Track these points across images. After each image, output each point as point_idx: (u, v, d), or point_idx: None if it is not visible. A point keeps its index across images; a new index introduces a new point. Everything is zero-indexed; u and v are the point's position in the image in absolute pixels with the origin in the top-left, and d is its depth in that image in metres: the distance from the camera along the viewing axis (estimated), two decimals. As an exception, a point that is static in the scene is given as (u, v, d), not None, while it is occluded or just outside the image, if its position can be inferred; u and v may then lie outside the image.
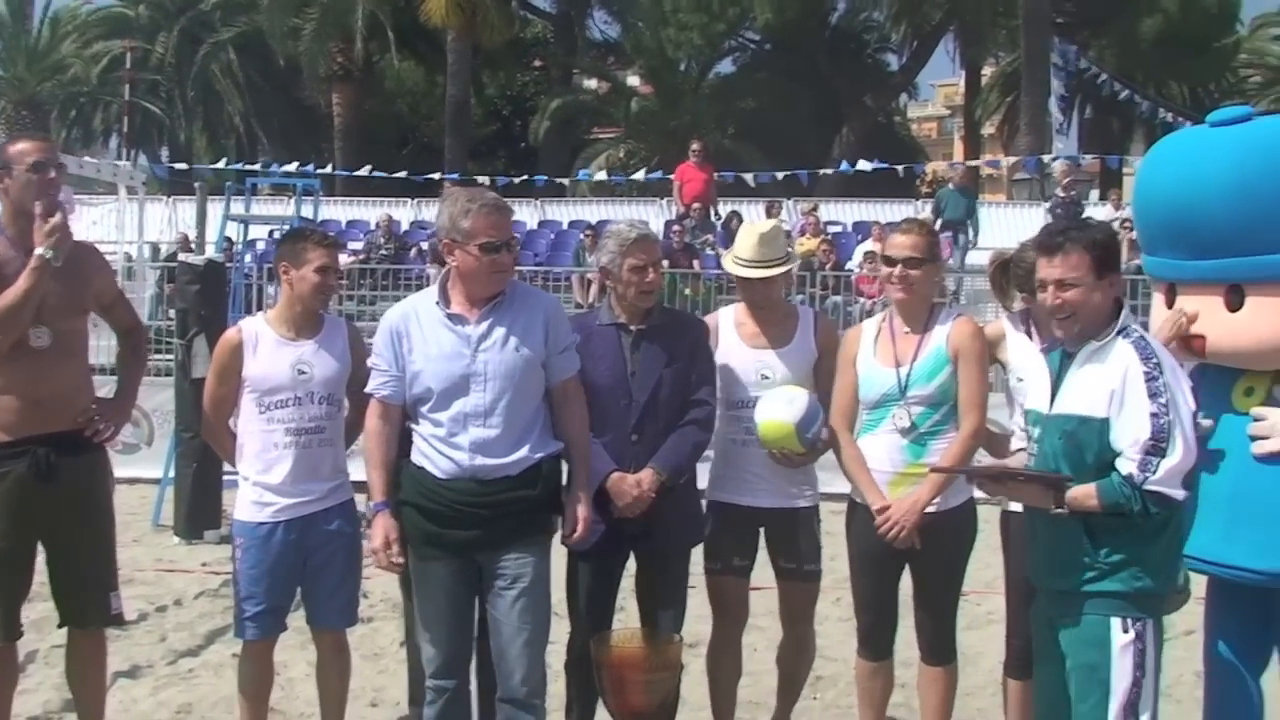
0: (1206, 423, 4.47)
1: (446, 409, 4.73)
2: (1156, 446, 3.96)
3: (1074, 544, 4.15)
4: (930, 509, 4.95)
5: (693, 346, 5.23)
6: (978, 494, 5.00)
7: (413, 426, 4.84)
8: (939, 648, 5.23)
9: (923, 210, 23.60)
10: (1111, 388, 4.06)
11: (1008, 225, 21.71)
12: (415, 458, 4.82)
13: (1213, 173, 4.36)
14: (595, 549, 4.98)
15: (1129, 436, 4.01)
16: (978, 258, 18.98)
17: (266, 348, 5.20)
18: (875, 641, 5.29)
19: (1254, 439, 4.39)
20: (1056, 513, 4.13)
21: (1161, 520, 4.07)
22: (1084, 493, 4.08)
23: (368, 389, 4.92)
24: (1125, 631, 4.09)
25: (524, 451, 4.74)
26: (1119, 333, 4.13)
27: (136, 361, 5.46)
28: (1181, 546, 4.30)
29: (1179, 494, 3.99)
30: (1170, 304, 4.64)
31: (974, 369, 5.05)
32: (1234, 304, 4.40)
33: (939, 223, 19.39)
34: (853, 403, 5.22)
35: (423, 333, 4.78)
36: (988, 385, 5.11)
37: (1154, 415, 3.97)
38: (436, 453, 4.75)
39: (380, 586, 8.60)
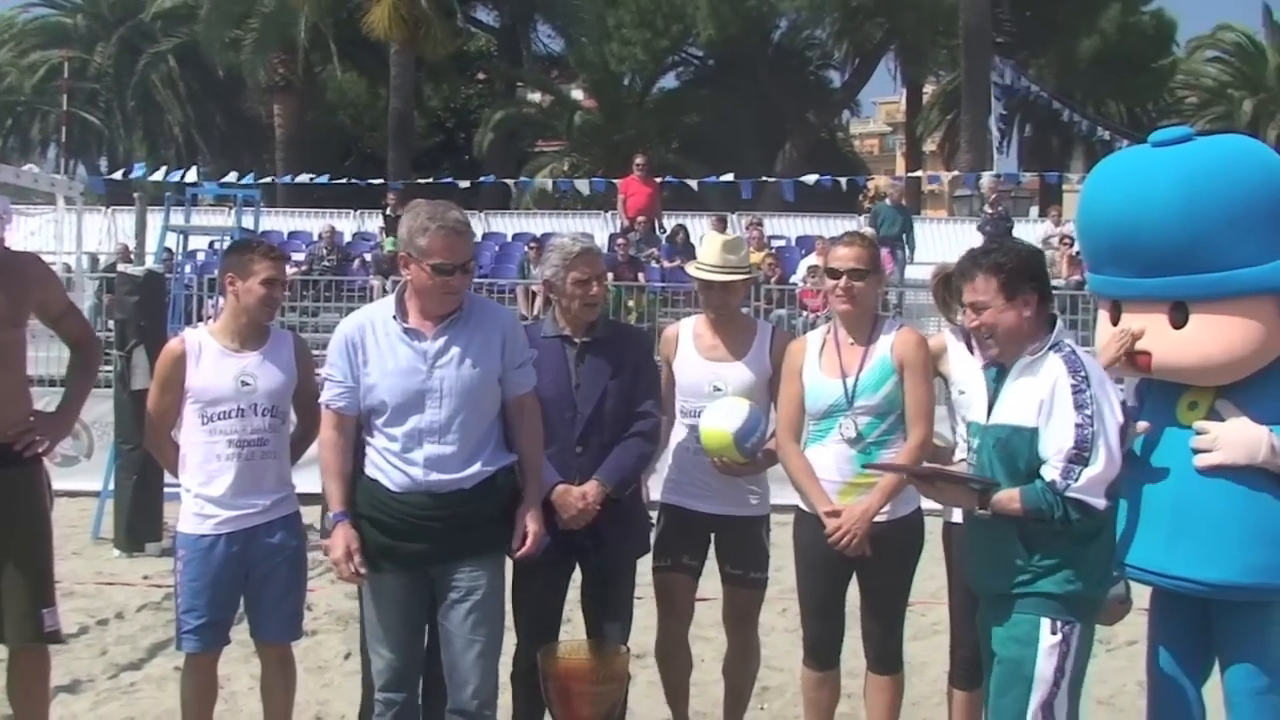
0: (1143, 425, 4.56)
1: (401, 424, 4.71)
2: (1079, 455, 4.07)
3: (1009, 549, 4.24)
4: (879, 518, 4.98)
5: (637, 359, 5.24)
6: (925, 504, 5.05)
7: (367, 439, 4.81)
8: (886, 657, 5.25)
9: (864, 225, 23.79)
10: (1041, 398, 4.18)
11: (945, 241, 22.00)
12: (369, 470, 4.79)
13: (1158, 192, 4.42)
14: (542, 560, 4.96)
15: (1054, 445, 4.11)
16: (916, 272, 19.20)
17: (210, 358, 5.16)
18: (822, 651, 5.31)
19: (1196, 452, 4.45)
20: (980, 514, 4.29)
21: (1094, 527, 4.16)
22: (1007, 496, 4.21)
23: (321, 400, 4.88)
24: (1054, 633, 4.18)
25: (478, 466, 4.73)
26: (1051, 347, 4.23)
27: (84, 376, 5.36)
28: (1113, 554, 4.37)
29: (1099, 502, 4.08)
30: (1115, 321, 4.70)
31: (919, 379, 5.10)
32: (1178, 321, 4.47)
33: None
34: (799, 414, 5.25)
35: (379, 346, 4.75)
36: (934, 395, 5.15)
37: (1078, 426, 4.08)
38: (390, 466, 4.73)
39: (325, 599, 8.55)
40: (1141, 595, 4.75)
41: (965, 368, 5.11)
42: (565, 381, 5.11)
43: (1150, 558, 4.53)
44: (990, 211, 21.68)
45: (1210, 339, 4.40)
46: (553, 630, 5.21)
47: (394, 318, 4.75)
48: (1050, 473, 4.11)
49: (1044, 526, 4.13)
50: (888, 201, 21.72)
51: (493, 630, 4.75)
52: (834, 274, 5.16)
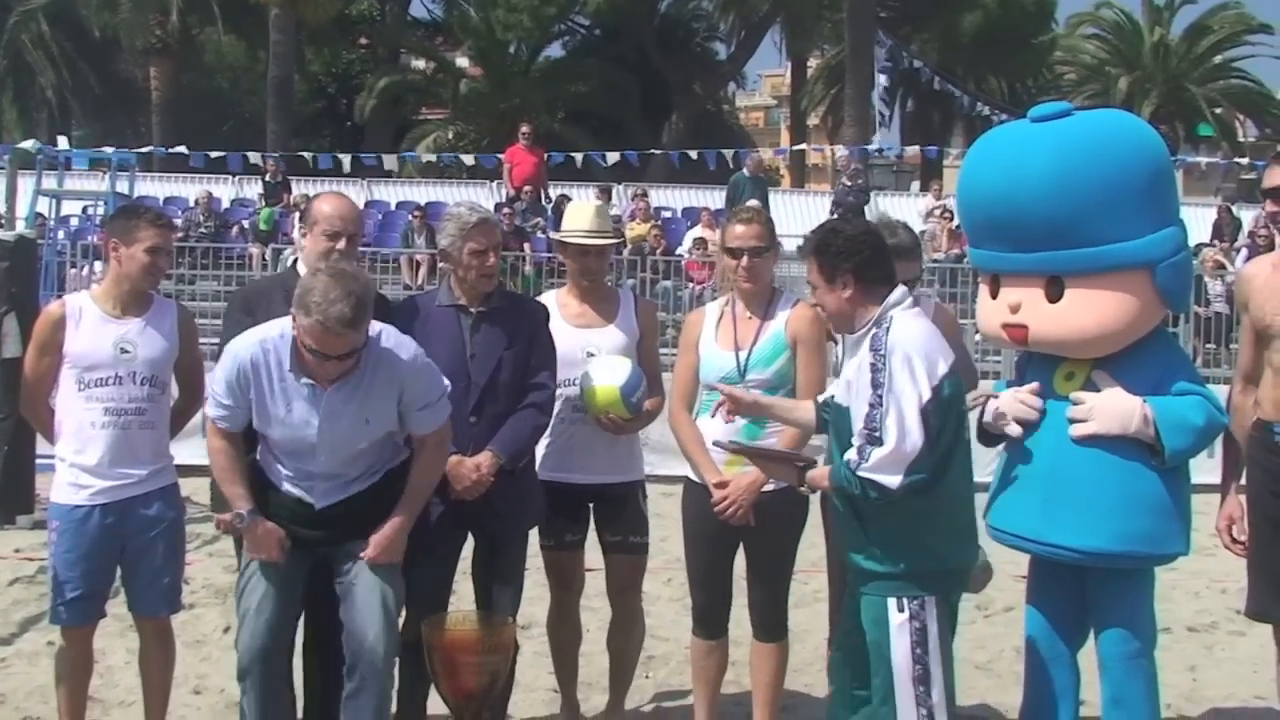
0: (1033, 385, 4.64)
1: (290, 457, 4.69)
2: (871, 436, 4.05)
3: (852, 525, 4.27)
4: (766, 489, 5.03)
5: (533, 329, 5.23)
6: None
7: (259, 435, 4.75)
8: (771, 625, 5.31)
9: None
10: (849, 378, 4.24)
11: (800, 212, 22.24)
12: (260, 455, 4.75)
13: (1033, 168, 4.49)
14: (432, 532, 4.95)
15: (857, 424, 4.12)
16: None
17: (89, 324, 5.04)
18: (710, 620, 5.35)
19: (1072, 422, 4.55)
20: (801, 490, 4.47)
21: (925, 503, 4.09)
22: (820, 474, 4.32)
23: (208, 413, 4.73)
24: (900, 611, 4.16)
25: (372, 479, 4.74)
26: (875, 323, 4.19)
27: None
28: (967, 523, 4.31)
29: (891, 481, 4.00)
30: (994, 294, 4.78)
31: (812, 355, 5.14)
32: (1054, 295, 4.55)
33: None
34: (692, 384, 5.29)
35: (271, 390, 4.58)
36: (825, 371, 5.21)
37: (871, 406, 4.06)
38: (281, 473, 4.72)
39: (202, 573, 8.43)
40: (1020, 562, 4.86)
41: None
42: (460, 351, 5.08)
43: (1025, 524, 4.64)
44: (848, 184, 21.96)
45: (1085, 313, 4.49)
46: (440, 602, 5.18)
47: (290, 371, 4.57)
48: (850, 452, 4.11)
49: (867, 504, 4.11)
50: (746, 173, 21.86)
51: (393, 582, 4.72)
52: (734, 254, 5.18)
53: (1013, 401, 4.72)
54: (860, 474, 4.04)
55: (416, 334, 4.94)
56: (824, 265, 4.25)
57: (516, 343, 5.14)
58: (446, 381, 4.76)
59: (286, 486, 4.71)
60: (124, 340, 5.03)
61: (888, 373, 4.04)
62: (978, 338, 5.33)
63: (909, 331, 4.11)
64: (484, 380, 5.06)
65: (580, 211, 5.58)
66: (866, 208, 21.63)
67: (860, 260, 4.21)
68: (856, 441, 4.10)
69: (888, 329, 4.12)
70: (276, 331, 4.59)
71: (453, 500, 4.99)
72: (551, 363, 5.25)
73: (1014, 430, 4.70)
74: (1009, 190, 4.56)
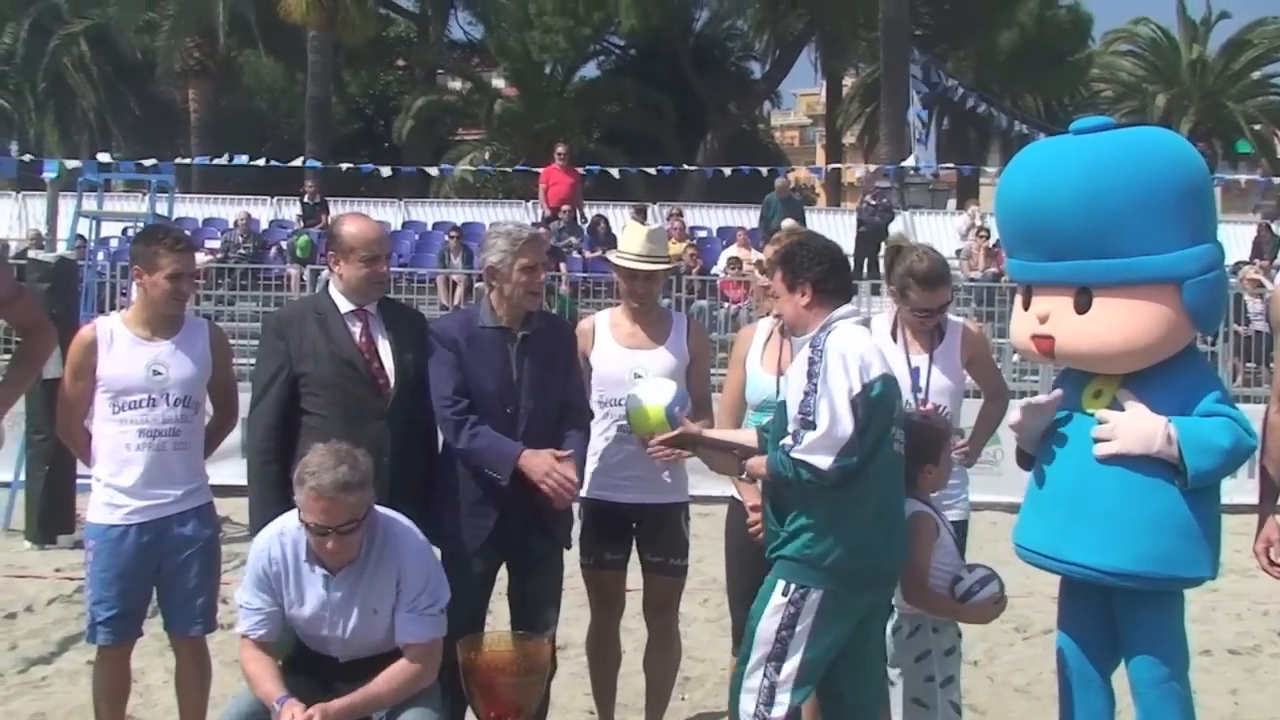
0: (1057, 393, 4.66)
1: (310, 641, 4.69)
2: (805, 420, 4.27)
3: (771, 514, 4.50)
4: None
5: (569, 351, 5.25)
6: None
7: None
8: None
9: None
10: (789, 375, 4.51)
11: (833, 232, 22.14)
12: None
13: (1063, 177, 4.48)
14: (471, 552, 4.97)
15: (792, 411, 4.36)
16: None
17: (121, 347, 5.07)
18: None
19: (1096, 441, 4.51)
20: (741, 479, 4.72)
21: (839, 494, 4.27)
22: (757, 462, 4.54)
23: (238, 630, 4.62)
24: (783, 595, 4.37)
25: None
26: (821, 329, 4.43)
27: (27, 365, 5.11)
28: (887, 528, 4.42)
29: (822, 462, 4.21)
30: (1027, 305, 4.75)
31: None
32: (1082, 306, 4.51)
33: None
34: (739, 401, 5.30)
35: (288, 579, 4.57)
36: None
37: (806, 393, 4.31)
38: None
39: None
40: (1057, 584, 4.81)
41: (886, 353, 5.20)
42: (507, 375, 5.06)
43: (1048, 542, 4.60)
44: (872, 202, 21.94)
45: (1112, 325, 4.45)
46: (477, 622, 5.17)
47: (305, 560, 4.55)
48: (785, 438, 4.34)
49: (791, 491, 4.35)
50: (776, 194, 21.89)
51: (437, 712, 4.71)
52: (761, 270, 5.20)
53: (1026, 406, 4.73)
54: (794, 455, 4.26)
55: (463, 355, 4.96)
56: (786, 274, 4.56)
57: (557, 365, 5.14)
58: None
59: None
60: (156, 362, 5.05)
61: (823, 365, 4.30)
62: (1016, 358, 5.29)
63: (848, 336, 4.39)
64: (532, 405, 5.04)
65: (634, 234, 5.58)
66: (892, 225, 21.59)
67: (819, 272, 4.52)
68: (791, 427, 4.33)
69: (829, 333, 4.40)
70: (294, 523, 4.55)
71: (491, 523, 5.00)
72: (584, 384, 5.28)
73: (1012, 418, 4.74)
74: (1038, 198, 4.56)
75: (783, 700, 4.36)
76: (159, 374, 5.04)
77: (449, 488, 5.08)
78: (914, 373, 5.25)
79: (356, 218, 5.24)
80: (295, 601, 4.57)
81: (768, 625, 4.38)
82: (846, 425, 4.22)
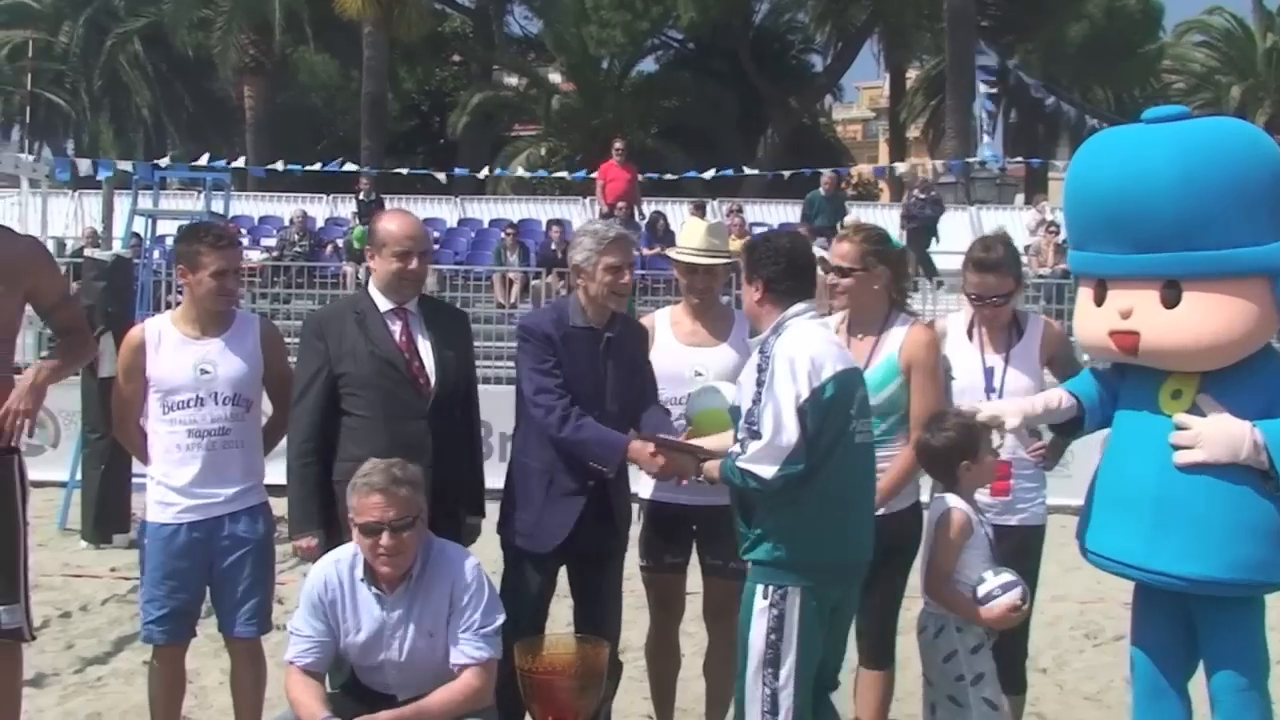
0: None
1: (366, 672, 4.70)
2: (751, 430, 4.38)
3: (739, 517, 4.59)
4: (879, 511, 4.98)
5: (645, 352, 5.27)
6: (923, 498, 5.12)
7: None
8: (879, 652, 5.23)
9: (849, 213, 23.83)
10: (742, 380, 4.60)
11: (897, 228, 21.94)
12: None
13: (1154, 166, 4.36)
14: (532, 554, 4.99)
15: (741, 420, 4.47)
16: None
17: (169, 347, 5.12)
18: (880, 649, 5.28)
19: (1176, 448, 4.43)
20: (698, 481, 4.82)
21: (802, 498, 4.38)
22: (713, 466, 4.66)
23: (286, 656, 4.63)
24: (764, 598, 4.47)
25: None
26: (773, 330, 4.52)
27: (65, 357, 5.13)
28: (838, 520, 4.49)
29: (766, 472, 4.32)
30: (1099, 301, 4.64)
31: (927, 381, 5.08)
32: (1171, 300, 4.40)
33: (806, 228, 19.83)
34: None
35: (344, 603, 4.59)
36: (940, 398, 5.13)
37: (753, 402, 4.40)
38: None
39: (295, 593, 8.47)
40: (1129, 589, 4.75)
41: (960, 354, 5.16)
42: (599, 378, 5.07)
43: (1130, 551, 4.51)
44: (921, 196, 21.77)
45: (1203, 320, 4.35)
46: (536, 625, 5.16)
47: (362, 580, 4.58)
48: (734, 445, 4.46)
49: (747, 495, 4.45)
50: (821, 191, 21.80)
51: None
52: (825, 268, 5.17)
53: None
54: (739, 464, 4.37)
55: (559, 352, 4.99)
56: (746, 267, 4.67)
57: (637, 366, 5.17)
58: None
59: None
60: (204, 361, 5.09)
61: (770, 372, 4.38)
62: (1085, 357, 5.20)
63: (798, 337, 4.45)
64: (617, 408, 5.06)
65: (694, 229, 5.58)
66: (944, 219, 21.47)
67: (774, 271, 4.57)
68: (739, 435, 4.45)
69: (779, 335, 4.48)
70: (349, 551, 4.61)
71: (552, 522, 5.01)
72: (655, 384, 5.28)
73: (1011, 423, 4.73)
74: (1127, 188, 4.42)
75: (786, 705, 4.45)
76: (206, 373, 5.08)
77: (525, 489, 5.10)
78: (988, 373, 5.20)
79: (396, 213, 5.27)
80: (351, 628, 4.58)
81: (757, 631, 4.47)
82: (790, 434, 4.31)
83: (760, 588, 4.48)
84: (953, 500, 4.78)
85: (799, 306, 4.54)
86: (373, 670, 4.66)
